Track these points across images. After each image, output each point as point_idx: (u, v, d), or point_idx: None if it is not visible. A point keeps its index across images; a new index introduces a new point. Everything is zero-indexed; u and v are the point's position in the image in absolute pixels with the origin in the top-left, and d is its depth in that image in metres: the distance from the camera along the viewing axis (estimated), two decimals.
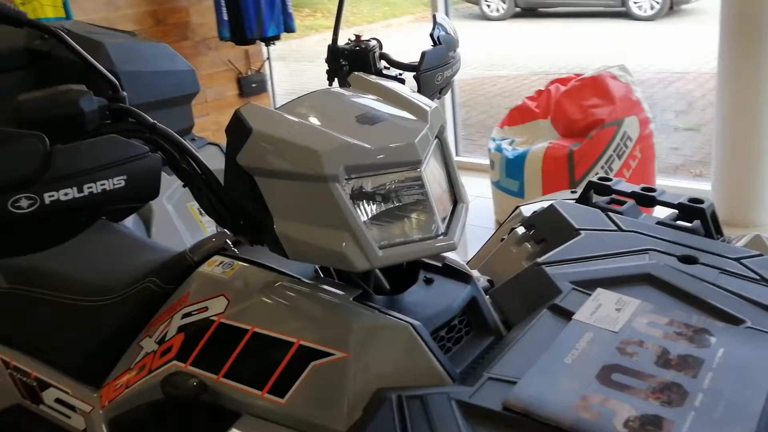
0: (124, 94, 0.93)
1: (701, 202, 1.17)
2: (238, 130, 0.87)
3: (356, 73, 1.07)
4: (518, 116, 3.72)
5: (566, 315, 0.93)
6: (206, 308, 1.01)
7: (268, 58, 5.19)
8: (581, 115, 3.32)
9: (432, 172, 0.94)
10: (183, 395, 0.95)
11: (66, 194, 0.75)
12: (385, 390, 0.82)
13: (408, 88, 1.07)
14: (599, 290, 0.98)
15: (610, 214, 1.20)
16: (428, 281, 1.02)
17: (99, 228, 1.36)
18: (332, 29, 1.49)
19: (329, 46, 1.35)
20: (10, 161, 0.71)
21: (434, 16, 1.47)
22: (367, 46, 1.32)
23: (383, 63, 1.36)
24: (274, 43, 4.83)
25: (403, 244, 0.89)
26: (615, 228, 1.14)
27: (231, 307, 0.99)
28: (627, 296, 0.94)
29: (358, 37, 1.35)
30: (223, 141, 1.06)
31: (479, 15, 11.80)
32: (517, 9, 11.57)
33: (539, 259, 1.09)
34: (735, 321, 0.90)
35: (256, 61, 5.20)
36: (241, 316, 0.97)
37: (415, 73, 1.32)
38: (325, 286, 0.97)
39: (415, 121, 0.95)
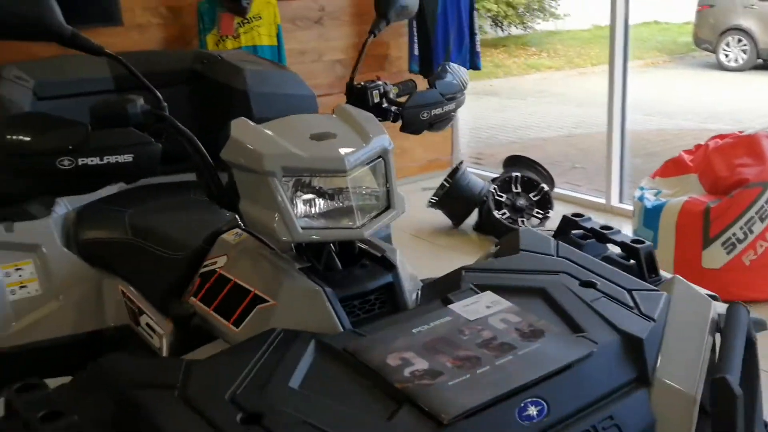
0: (165, 104, 1.31)
1: (641, 242, 1.28)
2: (225, 135, 1.22)
3: (341, 104, 1.37)
4: (672, 168, 3.67)
5: (448, 304, 1.14)
6: (215, 262, 1.38)
7: None
8: (728, 173, 3.23)
9: (362, 180, 1.20)
10: (182, 315, 1.33)
11: (92, 161, 1.14)
12: (288, 329, 1.10)
13: (374, 120, 1.34)
14: (488, 292, 1.16)
15: (566, 244, 1.35)
16: (363, 266, 1.28)
17: (198, 201, 1.80)
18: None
19: (347, 83, 1.64)
20: (63, 136, 1.13)
21: (444, 65, 1.70)
22: (366, 86, 1.60)
23: (384, 98, 1.62)
24: None
25: (322, 229, 1.17)
26: (553, 254, 1.29)
27: (227, 264, 1.34)
28: (509, 301, 1.12)
29: (373, 79, 1.63)
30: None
31: (715, 64, 11.16)
32: (759, 60, 10.75)
33: (465, 266, 1.30)
34: (577, 330, 1.05)
35: None
36: (230, 270, 1.32)
37: (400, 109, 1.57)
38: (286, 257, 1.27)
39: (358, 143, 1.22)
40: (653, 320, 1.08)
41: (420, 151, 5.69)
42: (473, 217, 4.38)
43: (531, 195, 4.25)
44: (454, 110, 1.67)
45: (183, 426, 0.83)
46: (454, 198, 4.34)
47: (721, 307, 1.23)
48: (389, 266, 1.26)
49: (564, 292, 1.14)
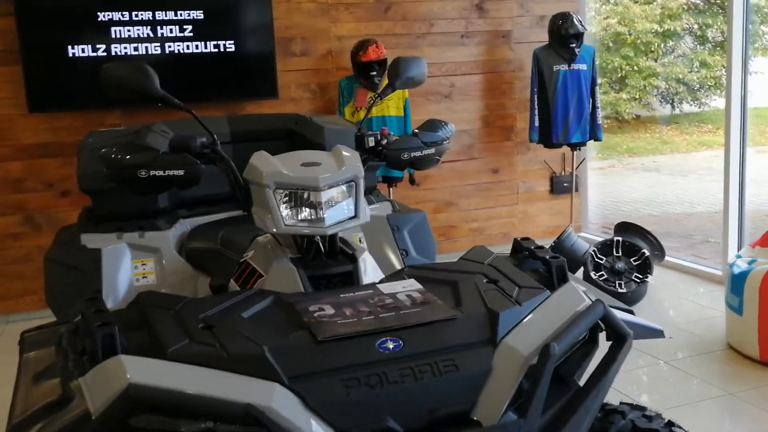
0: (218, 141, 1.84)
1: (556, 258, 1.57)
2: (246, 161, 1.72)
3: (337, 145, 1.80)
4: None
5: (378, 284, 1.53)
6: (248, 255, 1.86)
7: (583, 161, 5.78)
8: None
9: (331, 195, 1.62)
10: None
11: (158, 173, 1.68)
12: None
13: (355, 156, 1.73)
14: (411, 280, 1.52)
15: (503, 258, 1.66)
16: (336, 258, 1.67)
17: None
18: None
19: (355, 135, 2.05)
20: (142, 157, 1.69)
21: (430, 120, 2.07)
22: (364, 134, 2.00)
23: (377, 144, 2.00)
24: (579, 149, 5.42)
25: (296, 225, 1.60)
26: (484, 263, 1.61)
27: (252, 255, 1.82)
28: (423, 287, 1.47)
29: (381, 132, 2.03)
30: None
31: None
32: None
33: (409, 266, 1.68)
34: (458, 304, 1.38)
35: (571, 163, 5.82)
36: (252, 258, 1.79)
37: (384, 150, 1.94)
38: (285, 250, 1.71)
39: (335, 170, 1.65)
40: (519, 305, 1.38)
41: (544, 218, 5.94)
42: None
43: (632, 259, 4.36)
44: (435, 155, 2.04)
45: (163, 326, 1.29)
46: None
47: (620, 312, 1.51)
48: (354, 260, 1.67)
49: (469, 285, 1.48)
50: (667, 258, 5.11)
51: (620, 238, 4.43)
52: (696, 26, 13.48)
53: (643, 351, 3.65)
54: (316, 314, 1.35)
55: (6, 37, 4.44)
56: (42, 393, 1.27)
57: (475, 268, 1.59)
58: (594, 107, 5.27)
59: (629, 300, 4.24)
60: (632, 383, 3.30)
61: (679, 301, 4.44)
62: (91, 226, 2.34)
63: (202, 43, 4.80)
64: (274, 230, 1.60)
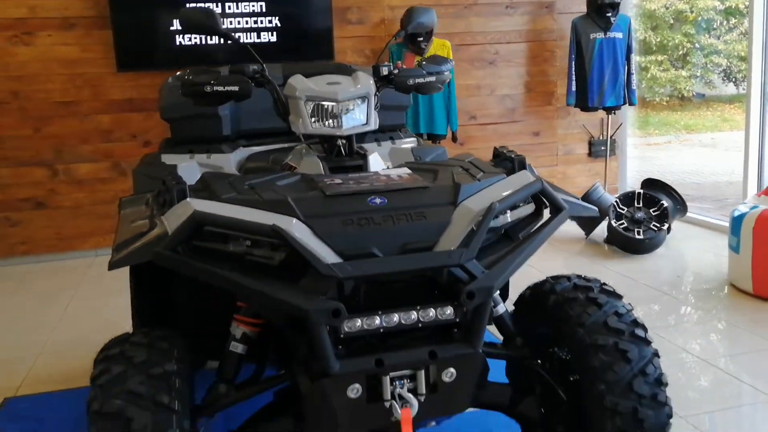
0: (266, 68, 2.35)
1: (519, 156, 2.00)
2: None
3: (356, 71, 2.27)
4: None
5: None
6: (288, 158, 2.36)
7: (620, 126, 6.09)
8: None
9: (348, 106, 2.09)
10: None
11: (219, 88, 2.19)
12: None
13: (368, 78, 2.18)
14: (404, 168, 1.99)
15: (478, 158, 2.11)
16: (353, 157, 2.14)
17: None
18: None
19: (372, 66, 2.49)
20: (208, 76, 2.21)
21: (434, 56, 2.51)
22: (379, 65, 2.44)
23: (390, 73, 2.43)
24: (614, 113, 5.74)
25: (321, 128, 2.09)
26: (465, 159, 2.07)
27: (290, 158, 2.32)
28: (412, 172, 1.95)
29: (395, 65, 2.47)
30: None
31: None
32: None
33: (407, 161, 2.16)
34: (435, 180, 1.85)
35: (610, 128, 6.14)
36: (290, 160, 2.28)
37: (394, 77, 2.38)
38: (313, 150, 2.16)
39: (352, 87, 2.11)
40: (479, 180, 1.84)
41: (582, 179, 6.28)
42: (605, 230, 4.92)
43: (651, 210, 4.70)
44: (436, 83, 2.46)
45: (218, 186, 1.80)
46: None
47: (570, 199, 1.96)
48: (365, 157, 2.14)
49: (446, 171, 1.94)
50: (695, 216, 5.41)
51: (642, 191, 4.77)
52: None
53: (651, 286, 4.03)
54: (327, 182, 1.85)
55: (99, 4, 5.10)
56: (135, 228, 1.82)
57: (456, 162, 2.06)
58: (629, 73, 5.58)
59: (647, 246, 4.60)
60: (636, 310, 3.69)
61: (695, 250, 4.77)
62: (169, 149, 2.90)
63: (268, 18, 5.40)
64: (304, 131, 2.11)
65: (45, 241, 5.29)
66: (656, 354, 1.85)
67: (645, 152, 9.92)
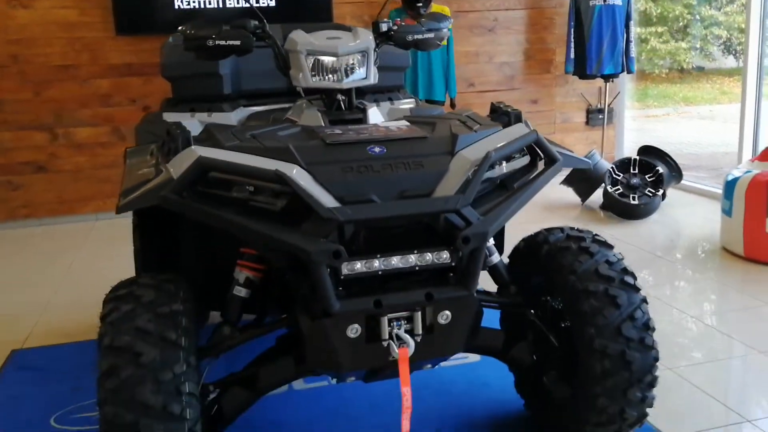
0: (266, 23, 2.37)
1: (516, 111, 2.05)
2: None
3: (355, 27, 2.30)
4: None
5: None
6: (288, 113, 2.41)
7: (618, 95, 6.12)
8: None
9: (347, 60, 2.12)
10: None
11: (221, 42, 2.21)
12: None
13: (368, 34, 2.23)
14: (402, 120, 2.04)
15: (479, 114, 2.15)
16: (352, 111, 2.18)
17: None
18: None
19: (372, 22, 2.52)
20: (209, 29, 2.23)
21: (433, 12, 2.54)
22: (379, 22, 2.47)
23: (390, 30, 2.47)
24: (612, 80, 5.77)
25: (321, 82, 2.12)
26: (462, 113, 2.11)
27: (290, 112, 2.35)
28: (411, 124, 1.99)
29: (395, 22, 2.51)
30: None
31: None
32: None
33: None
34: (432, 132, 1.90)
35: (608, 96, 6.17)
36: (290, 114, 2.33)
37: (393, 34, 2.41)
38: (314, 104, 2.20)
39: (351, 41, 2.15)
40: (475, 132, 1.89)
41: (579, 147, 6.32)
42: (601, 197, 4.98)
43: (647, 176, 4.76)
44: (435, 39, 2.50)
45: (222, 135, 1.84)
46: (581, 178, 5.00)
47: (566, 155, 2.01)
48: (364, 111, 2.19)
49: (444, 123, 1.98)
50: (690, 183, 5.47)
51: (638, 157, 4.82)
52: None
53: (644, 249, 4.10)
54: (328, 132, 1.90)
55: None
56: (141, 176, 1.87)
57: (454, 116, 2.11)
58: (627, 41, 5.60)
59: (642, 211, 4.66)
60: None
61: (689, 216, 4.83)
62: (170, 108, 2.94)
63: None
64: (304, 85, 2.15)
65: (46, 204, 5.34)
66: (644, 300, 1.92)
67: (643, 124, 9.94)
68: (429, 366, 1.94)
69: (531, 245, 2.11)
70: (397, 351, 1.72)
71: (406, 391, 1.73)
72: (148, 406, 1.55)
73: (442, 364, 2.72)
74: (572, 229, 2.11)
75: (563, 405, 2.03)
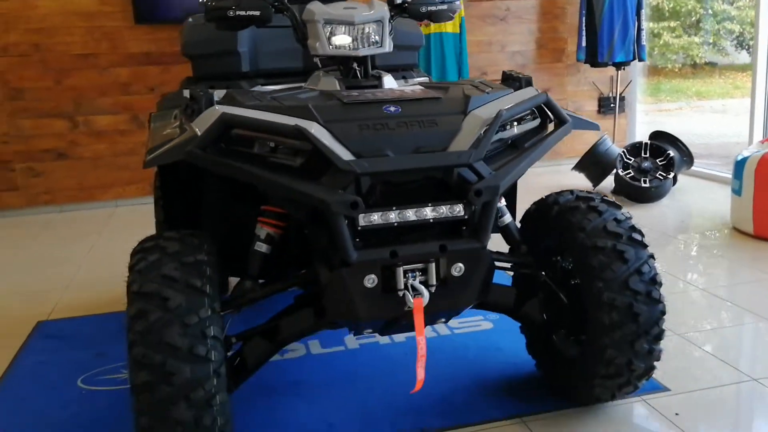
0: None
1: (527, 76, 2.11)
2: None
3: None
4: None
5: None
6: (306, 83, 2.48)
7: (629, 83, 6.16)
8: None
9: (363, 29, 2.20)
10: None
11: (241, 13, 2.29)
12: None
13: (383, 6, 2.30)
14: (417, 85, 2.11)
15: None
16: (368, 78, 2.26)
17: None
18: None
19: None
20: (230, 1, 2.32)
21: None
22: None
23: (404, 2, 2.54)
24: (624, 68, 5.81)
25: (338, 49, 2.20)
26: (474, 82, 2.19)
27: (308, 81, 2.44)
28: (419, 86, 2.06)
29: None
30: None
31: None
32: None
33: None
34: (446, 94, 1.97)
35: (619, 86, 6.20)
36: (308, 83, 2.40)
37: (405, 4, 2.48)
38: (331, 73, 2.28)
39: (367, 11, 2.23)
40: (487, 93, 1.96)
41: (591, 135, 6.35)
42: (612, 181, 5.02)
43: (658, 160, 4.80)
44: (448, 11, 2.56)
45: (243, 97, 1.92)
46: (592, 162, 5.05)
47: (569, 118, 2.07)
48: (380, 79, 2.26)
49: (457, 87, 2.06)
50: (701, 169, 5.50)
51: (649, 142, 4.86)
52: None
53: (657, 230, 4.14)
54: (345, 94, 1.98)
55: None
56: (166, 135, 1.96)
57: (467, 82, 2.18)
58: (639, 29, 5.64)
59: (653, 194, 4.70)
60: None
61: (700, 199, 4.87)
62: (190, 86, 3.03)
63: None
64: (322, 52, 2.23)
65: (66, 191, 5.45)
66: (652, 256, 1.97)
67: (656, 118, 9.95)
68: (443, 320, 2.01)
69: (542, 207, 2.17)
70: (412, 301, 1.79)
71: (421, 340, 1.79)
72: (176, 348, 1.63)
73: (456, 330, 2.80)
74: (581, 191, 2.17)
75: (573, 362, 2.09)
